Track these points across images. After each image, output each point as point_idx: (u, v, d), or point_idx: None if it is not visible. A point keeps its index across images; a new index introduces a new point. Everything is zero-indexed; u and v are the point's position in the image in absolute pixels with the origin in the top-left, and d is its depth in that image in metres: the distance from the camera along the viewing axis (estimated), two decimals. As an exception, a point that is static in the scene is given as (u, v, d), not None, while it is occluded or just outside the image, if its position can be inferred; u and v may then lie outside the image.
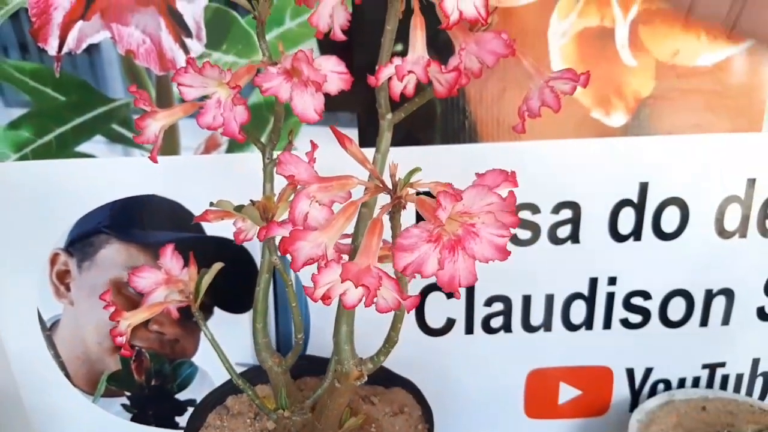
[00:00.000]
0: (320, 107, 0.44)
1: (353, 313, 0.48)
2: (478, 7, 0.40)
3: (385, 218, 0.39)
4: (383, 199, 0.41)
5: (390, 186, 0.39)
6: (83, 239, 0.74)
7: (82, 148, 0.69)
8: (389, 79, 0.43)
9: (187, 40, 0.65)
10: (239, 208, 0.46)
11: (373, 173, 0.39)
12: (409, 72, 0.39)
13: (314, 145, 0.45)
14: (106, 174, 0.71)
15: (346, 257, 0.46)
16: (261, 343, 0.53)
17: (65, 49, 0.65)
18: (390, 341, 0.45)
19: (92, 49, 0.65)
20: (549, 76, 0.45)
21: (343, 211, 0.37)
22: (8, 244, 0.74)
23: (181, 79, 0.44)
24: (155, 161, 0.52)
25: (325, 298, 0.35)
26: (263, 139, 0.53)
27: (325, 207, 0.42)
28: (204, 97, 0.45)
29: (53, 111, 0.68)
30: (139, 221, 0.73)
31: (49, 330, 0.78)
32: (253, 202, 0.47)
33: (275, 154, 0.53)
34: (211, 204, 0.48)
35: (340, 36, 0.46)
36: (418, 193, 0.39)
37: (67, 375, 0.80)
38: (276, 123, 0.51)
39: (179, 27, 0.64)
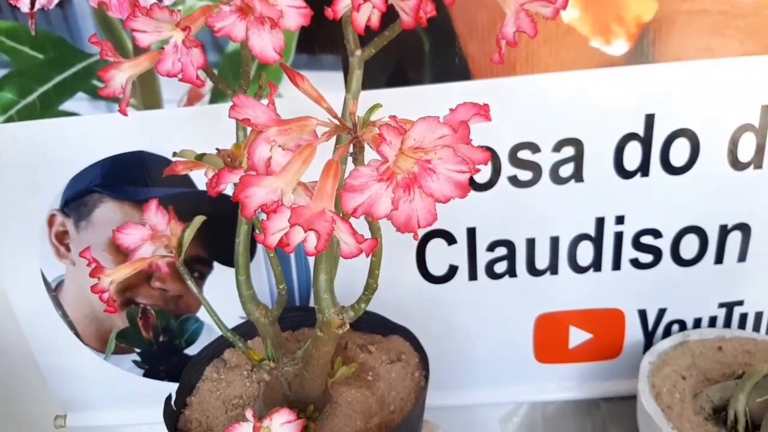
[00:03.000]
0: (279, 45, 0.41)
1: (332, 261, 0.46)
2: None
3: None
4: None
5: (351, 126, 0.36)
6: (77, 199, 0.74)
7: (66, 106, 0.68)
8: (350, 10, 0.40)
9: (160, -13, 0.62)
10: (201, 157, 0.44)
11: (330, 112, 0.37)
12: (365, 0, 0.36)
13: (273, 87, 0.42)
14: (93, 132, 0.70)
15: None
16: (245, 295, 0.52)
17: (37, 5, 0.63)
18: (369, 288, 0.43)
19: (65, 4, 0.63)
20: (524, -2, 0.41)
21: (299, 154, 0.35)
22: (6, 207, 0.74)
23: (133, 24, 0.42)
24: (125, 114, 0.50)
25: (283, 245, 0.33)
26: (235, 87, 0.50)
27: (289, 152, 0.40)
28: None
29: (33, 70, 0.67)
30: (130, 178, 0.72)
31: (54, 291, 0.79)
32: (219, 151, 0.45)
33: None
34: (175, 154, 0.47)
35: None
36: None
37: (77, 334, 0.81)
38: (244, 67, 0.49)
39: (151, -27, 0.61)
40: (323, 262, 0.46)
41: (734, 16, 0.62)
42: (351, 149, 0.37)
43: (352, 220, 0.33)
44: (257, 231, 0.48)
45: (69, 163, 0.71)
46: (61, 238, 0.76)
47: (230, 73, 0.65)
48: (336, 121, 0.37)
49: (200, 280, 0.78)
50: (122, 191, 0.73)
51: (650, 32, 0.63)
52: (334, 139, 0.40)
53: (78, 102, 0.68)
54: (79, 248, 0.76)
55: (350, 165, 0.38)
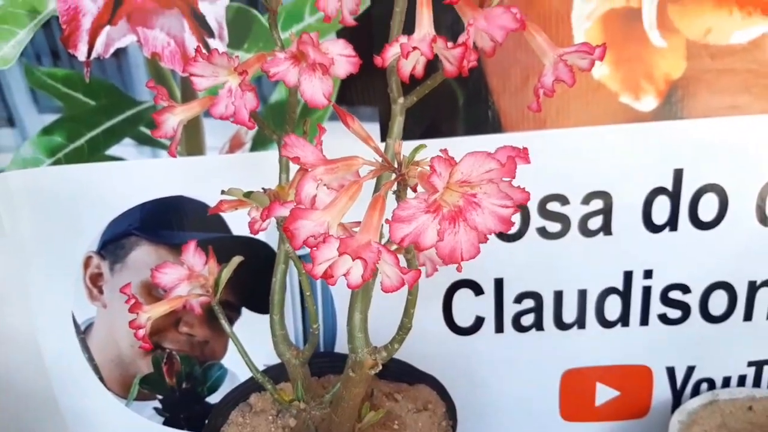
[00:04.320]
0: (328, 91, 0.43)
1: (367, 301, 0.47)
2: (485, -21, 0.39)
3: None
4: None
5: (395, 165, 0.38)
6: (115, 242, 0.76)
7: (112, 151, 0.71)
8: (398, 60, 0.42)
9: (210, 40, 0.66)
10: (249, 194, 0.46)
11: (377, 151, 0.39)
12: (414, 48, 0.39)
13: (322, 129, 0.45)
14: (136, 176, 0.72)
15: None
16: (278, 335, 0.53)
17: (94, 54, 0.67)
18: (404, 328, 0.44)
19: (120, 53, 0.67)
20: (563, 50, 0.43)
21: (346, 190, 0.36)
22: (44, 248, 0.76)
23: (192, 69, 0.44)
24: (173, 155, 0.52)
25: (327, 277, 0.34)
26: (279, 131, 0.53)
27: (333, 191, 0.42)
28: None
29: (84, 115, 0.70)
30: (167, 222, 0.74)
31: (83, 333, 0.80)
32: (264, 190, 0.47)
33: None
34: (223, 192, 0.48)
35: (349, 21, 0.46)
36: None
37: (101, 378, 0.82)
38: (290, 114, 0.51)
39: (202, 28, 0.65)
40: (359, 301, 0.47)
41: (761, 75, 0.64)
42: (395, 187, 0.38)
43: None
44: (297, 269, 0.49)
45: (110, 206, 0.74)
46: (96, 280, 0.78)
47: (272, 123, 0.68)
48: (382, 161, 0.38)
49: (222, 312, 0.79)
50: (159, 235, 0.75)
51: (679, 89, 0.65)
52: (373, 180, 0.42)
53: (124, 147, 0.71)
54: (113, 291, 0.78)
55: (391, 201, 0.40)
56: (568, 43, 0.63)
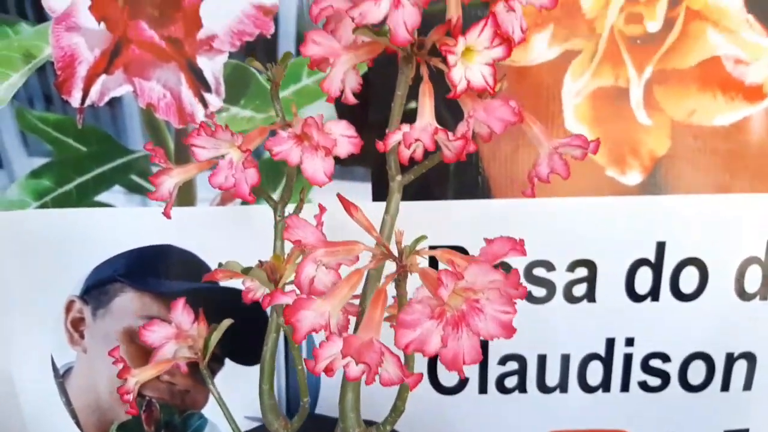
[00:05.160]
0: (330, 170, 0.44)
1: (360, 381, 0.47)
2: (486, 76, 0.40)
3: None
4: (390, 265, 0.41)
5: (396, 253, 0.38)
6: (99, 287, 0.75)
7: (101, 197, 0.71)
8: (399, 143, 0.43)
9: (207, 95, 0.66)
10: (247, 270, 0.46)
11: (379, 241, 0.39)
12: (416, 140, 0.40)
13: (322, 209, 0.45)
14: (124, 223, 0.72)
15: (352, 319, 0.45)
16: (267, 405, 0.52)
17: (88, 102, 0.67)
18: (396, 411, 0.44)
19: (114, 102, 0.67)
20: (558, 142, 0.44)
21: (347, 280, 0.36)
22: (26, 290, 0.75)
23: (194, 141, 0.44)
24: (169, 217, 0.52)
25: (328, 371, 0.34)
26: (275, 196, 0.53)
27: (332, 270, 0.42)
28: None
29: (74, 161, 0.69)
30: (154, 270, 0.74)
31: (61, 377, 0.78)
32: (261, 263, 0.47)
33: (287, 211, 0.53)
34: (220, 265, 0.48)
35: (351, 100, 0.47)
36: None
37: (78, 423, 0.80)
38: (288, 182, 0.52)
39: (199, 82, 0.66)
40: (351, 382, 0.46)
41: (742, 156, 0.67)
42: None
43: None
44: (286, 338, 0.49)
45: (96, 251, 0.73)
46: (77, 324, 0.76)
47: (265, 179, 0.68)
48: (383, 249, 0.39)
49: (211, 376, 0.78)
50: (144, 282, 0.74)
51: (663, 166, 0.67)
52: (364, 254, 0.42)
53: (114, 194, 0.70)
54: (94, 336, 0.77)
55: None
56: (558, 118, 0.66)
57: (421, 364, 0.75)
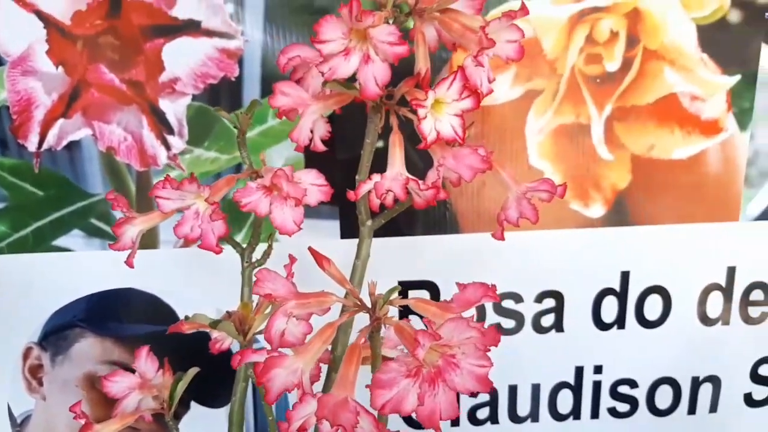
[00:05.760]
0: (299, 219, 0.43)
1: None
2: (455, 126, 0.40)
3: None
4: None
5: (369, 305, 0.38)
6: (57, 333, 0.72)
7: (60, 242, 0.69)
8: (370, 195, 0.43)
9: (169, 137, 0.65)
10: (215, 324, 0.45)
11: (352, 293, 0.39)
12: (388, 191, 0.40)
13: (292, 259, 0.44)
14: (83, 267, 0.70)
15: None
16: (237, 455, 0.51)
17: (45, 146, 0.65)
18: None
19: (72, 146, 0.65)
20: (526, 187, 0.45)
21: (320, 335, 0.36)
22: (-20, 337, 0.72)
23: (159, 193, 0.44)
24: (131, 266, 0.51)
25: (301, 430, 0.34)
26: (242, 235, 0.52)
27: (302, 321, 0.41)
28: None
29: (31, 206, 0.67)
30: (115, 314, 0.72)
31: (19, 426, 0.75)
32: (229, 314, 0.46)
33: (254, 257, 0.53)
34: (186, 318, 0.47)
35: (320, 147, 0.47)
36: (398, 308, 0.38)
37: (36, 474, 0.77)
38: (255, 228, 0.51)
39: (161, 124, 0.65)
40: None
41: (701, 187, 0.69)
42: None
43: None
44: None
45: (54, 296, 0.71)
46: (35, 371, 0.74)
47: (231, 218, 0.67)
48: (356, 301, 0.38)
49: (176, 420, 0.75)
50: (105, 327, 0.72)
51: (625, 198, 0.69)
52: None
53: (73, 238, 0.68)
54: (53, 383, 0.74)
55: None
56: (522, 155, 0.67)
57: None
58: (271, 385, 0.34)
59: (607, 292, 0.72)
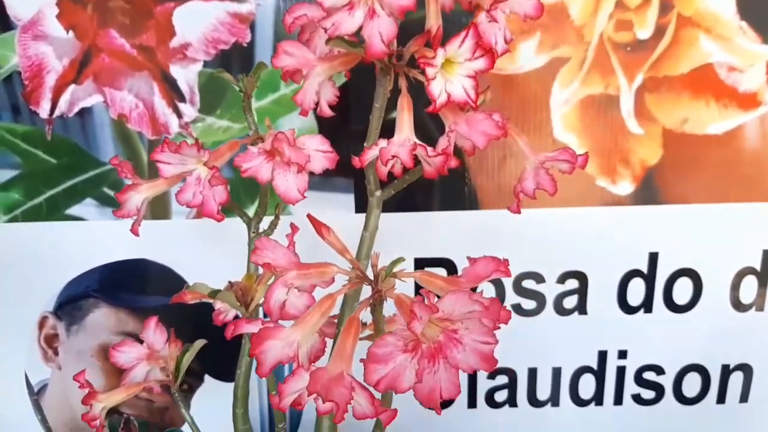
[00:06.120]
0: (304, 187, 0.42)
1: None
2: (467, 89, 0.38)
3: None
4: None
5: (372, 277, 0.36)
6: (72, 303, 0.72)
7: (73, 210, 0.68)
8: (376, 158, 0.40)
9: (181, 105, 0.64)
10: (215, 293, 0.43)
11: (353, 264, 0.37)
12: (394, 157, 0.37)
13: (294, 228, 0.42)
14: (96, 237, 0.69)
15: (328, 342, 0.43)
16: (241, 430, 0.50)
17: (57, 112, 0.64)
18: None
19: (84, 113, 0.64)
20: (545, 156, 0.42)
21: (319, 306, 0.34)
22: (-3, 306, 0.72)
23: (159, 157, 0.42)
24: (137, 234, 0.50)
25: (296, 405, 0.32)
26: (252, 210, 0.51)
27: (305, 293, 0.40)
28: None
29: (44, 173, 0.67)
30: (128, 285, 0.71)
31: (36, 395, 0.76)
32: (231, 284, 0.44)
33: (261, 227, 0.51)
34: (187, 287, 0.46)
35: (327, 112, 0.44)
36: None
37: (53, 441, 0.77)
38: (262, 197, 0.49)
39: (173, 91, 0.63)
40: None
41: (736, 164, 0.65)
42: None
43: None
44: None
45: (68, 266, 0.70)
46: (51, 341, 0.74)
47: (242, 191, 0.65)
48: (358, 272, 0.36)
49: (189, 392, 0.75)
50: (119, 298, 0.72)
51: (655, 175, 0.65)
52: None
53: (86, 207, 0.68)
54: (68, 352, 0.74)
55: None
56: (547, 127, 0.63)
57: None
58: (264, 357, 0.32)
59: (634, 273, 0.69)
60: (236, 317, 0.47)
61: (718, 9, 0.61)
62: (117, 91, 0.63)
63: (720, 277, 0.69)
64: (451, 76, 0.38)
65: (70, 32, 0.61)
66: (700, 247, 0.68)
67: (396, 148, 0.38)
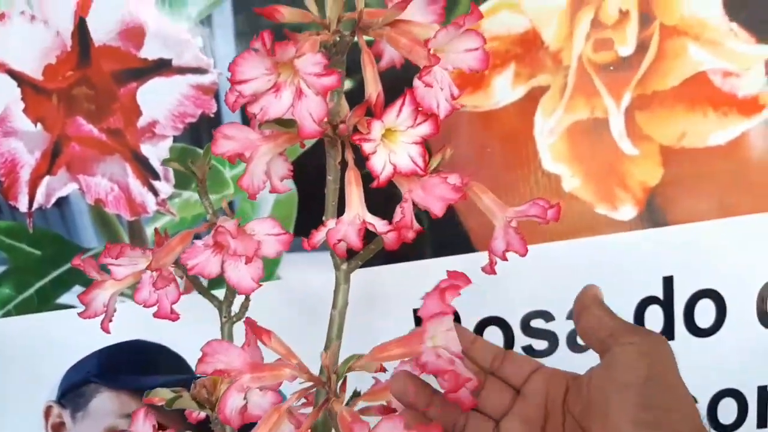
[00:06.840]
0: (258, 275, 0.39)
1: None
2: (414, 157, 0.35)
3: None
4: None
5: (325, 379, 0.33)
6: (74, 390, 0.71)
7: (63, 299, 0.67)
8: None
9: (156, 183, 0.62)
10: (171, 402, 0.41)
11: (301, 369, 0.34)
12: (340, 240, 0.34)
13: (251, 327, 0.40)
14: (90, 323, 0.66)
15: None
16: None
17: (35, 205, 0.63)
18: None
19: (62, 202, 0.64)
20: (513, 212, 0.39)
21: (265, 421, 0.31)
22: (2, 400, 0.71)
23: (107, 261, 0.40)
24: (107, 331, 0.48)
25: None
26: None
27: (268, 392, 0.37)
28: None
29: (31, 266, 0.66)
30: (127, 367, 0.70)
31: (51, 485, 0.75)
32: (194, 385, 0.42)
33: (233, 310, 0.49)
34: (146, 394, 0.44)
35: (281, 188, 0.42)
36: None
37: None
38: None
39: (146, 171, 0.62)
40: None
41: (744, 174, 0.60)
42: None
43: None
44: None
45: (65, 354, 0.69)
46: (58, 429, 0.73)
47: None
48: (310, 375, 0.34)
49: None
50: (119, 380, 0.70)
51: (658, 196, 0.61)
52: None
53: (75, 294, 0.67)
54: (76, 440, 0.73)
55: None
56: (534, 161, 0.60)
57: None
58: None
59: (650, 301, 0.64)
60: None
61: (703, 13, 0.57)
62: (91, 177, 0.62)
63: (743, 293, 0.64)
64: (394, 145, 0.35)
65: (39, 125, 0.61)
66: (716, 265, 0.63)
67: (344, 228, 0.36)
